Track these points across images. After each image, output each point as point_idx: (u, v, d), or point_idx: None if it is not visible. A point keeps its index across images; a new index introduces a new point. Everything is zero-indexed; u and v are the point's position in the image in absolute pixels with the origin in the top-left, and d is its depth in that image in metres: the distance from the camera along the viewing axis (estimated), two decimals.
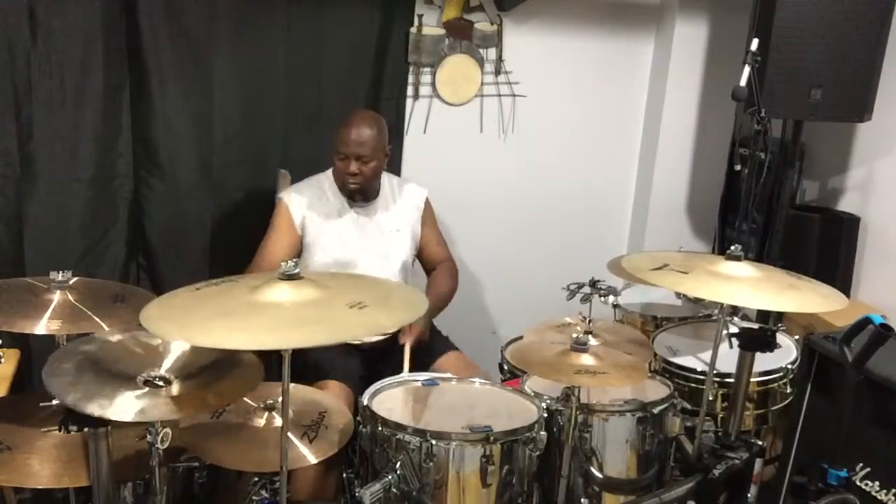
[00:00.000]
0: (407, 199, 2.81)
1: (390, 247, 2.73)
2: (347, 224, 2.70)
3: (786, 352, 2.57)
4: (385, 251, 2.72)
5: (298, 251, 2.66)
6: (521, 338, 2.60)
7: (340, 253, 2.67)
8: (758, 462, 2.32)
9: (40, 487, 1.74)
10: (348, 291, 1.70)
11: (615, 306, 2.86)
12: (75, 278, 1.95)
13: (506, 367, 2.61)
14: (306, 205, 2.69)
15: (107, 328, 1.82)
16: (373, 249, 2.70)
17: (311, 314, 1.58)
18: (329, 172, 2.74)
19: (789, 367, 2.49)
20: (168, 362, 1.75)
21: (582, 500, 2.19)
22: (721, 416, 2.41)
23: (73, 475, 1.71)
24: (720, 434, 2.30)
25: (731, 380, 2.31)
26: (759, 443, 2.30)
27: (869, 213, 3.10)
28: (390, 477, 1.94)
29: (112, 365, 1.70)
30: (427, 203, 2.84)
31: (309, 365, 2.43)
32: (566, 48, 3.39)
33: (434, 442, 1.91)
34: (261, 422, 1.96)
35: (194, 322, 1.57)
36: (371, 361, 2.58)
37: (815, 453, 2.29)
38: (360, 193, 2.67)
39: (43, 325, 1.81)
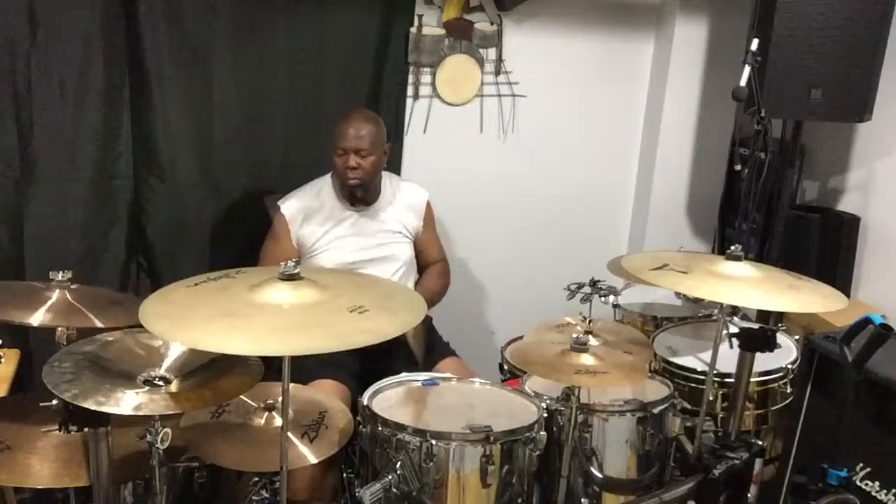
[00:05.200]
0: (408, 199, 2.80)
1: (392, 248, 2.73)
2: (347, 227, 2.70)
3: (786, 352, 2.57)
4: (387, 252, 2.72)
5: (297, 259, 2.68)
6: (521, 338, 2.60)
7: (341, 257, 2.67)
8: (758, 462, 2.31)
9: (40, 487, 1.75)
10: (348, 293, 1.70)
11: (615, 306, 2.85)
12: (75, 285, 1.96)
13: (506, 367, 2.61)
14: (304, 211, 2.69)
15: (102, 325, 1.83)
16: (374, 251, 2.70)
17: (311, 318, 1.58)
18: (328, 177, 2.74)
19: (789, 367, 2.49)
20: (168, 362, 1.76)
21: (582, 500, 2.19)
22: (721, 416, 2.41)
23: (73, 475, 1.71)
24: (720, 434, 2.30)
25: (731, 380, 2.30)
26: (759, 443, 2.30)
27: (869, 213, 3.09)
28: (390, 477, 1.94)
29: (112, 365, 1.70)
30: (428, 206, 2.85)
31: (304, 364, 2.42)
32: (566, 48, 3.39)
33: (434, 442, 1.91)
34: (261, 422, 1.96)
35: (193, 323, 1.57)
36: (368, 360, 2.57)
37: (815, 453, 2.29)
38: (362, 189, 2.65)
39: (39, 317, 1.81)
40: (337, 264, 2.65)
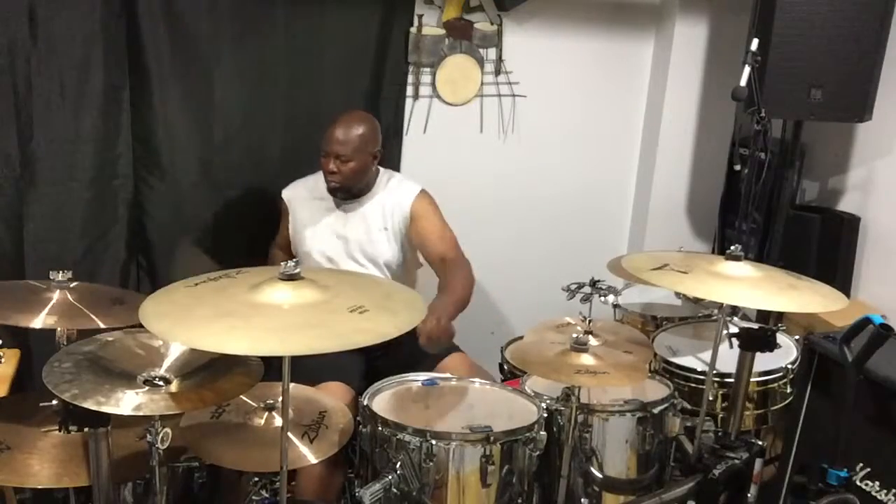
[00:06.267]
0: (398, 196, 2.78)
1: (374, 245, 2.73)
2: (332, 221, 2.74)
3: (786, 352, 2.57)
4: (370, 249, 2.72)
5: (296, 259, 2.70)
6: (521, 338, 2.60)
7: (325, 248, 2.71)
8: (758, 462, 2.32)
9: (40, 487, 1.75)
10: (348, 293, 1.70)
11: (615, 306, 2.86)
12: (75, 283, 1.95)
13: (506, 367, 2.61)
14: (298, 199, 2.79)
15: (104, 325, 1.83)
16: (356, 247, 2.71)
17: (311, 318, 1.58)
18: None
19: (789, 367, 2.49)
20: (168, 362, 1.76)
21: (582, 500, 2.19)
22: (721, 416, 2.41)
23: (73, 475, 1.71)
24: (720, 434, 2.31)
25: (731, 380, 2.31)
26: (759, 443, 2.30)
27: (869, 213, 3.09)
28: (390, 477, 1.94)
29: (112, 365, 1.70)
30: (419, 197, 2.74)
31: (308, 365, 2.42)
32: (566, 48, 3.38)
33: (434, 442, 1.91)
34: (261, 422, 1.97)
35: (193, 322, 1.57)
36: (372, 359, 2.58)
37: (815, 453, 2.29)
38: (341, 192, 2.69)
39: (40, 321, 1.81)
40: (320, 254, 2.71)
